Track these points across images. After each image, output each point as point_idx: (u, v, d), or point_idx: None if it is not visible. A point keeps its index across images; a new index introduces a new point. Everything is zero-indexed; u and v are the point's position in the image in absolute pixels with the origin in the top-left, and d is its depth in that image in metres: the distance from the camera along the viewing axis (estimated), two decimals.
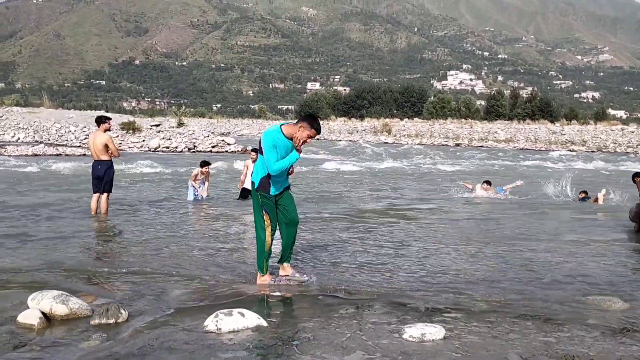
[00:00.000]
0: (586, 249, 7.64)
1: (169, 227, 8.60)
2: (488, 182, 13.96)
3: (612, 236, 8.74)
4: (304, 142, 5.18)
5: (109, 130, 9.85)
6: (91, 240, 7.69)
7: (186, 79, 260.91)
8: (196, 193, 11.86)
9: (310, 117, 5.26)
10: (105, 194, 9.70)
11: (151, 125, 35.28)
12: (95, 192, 9.73)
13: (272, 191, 5.36)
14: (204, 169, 11.86)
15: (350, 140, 50.23)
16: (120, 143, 29.28)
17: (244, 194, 12.33)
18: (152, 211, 10.18)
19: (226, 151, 29.84)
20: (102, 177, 9.61)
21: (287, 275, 5.57)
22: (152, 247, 7.18)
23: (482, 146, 44.89)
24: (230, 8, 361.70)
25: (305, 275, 5.57)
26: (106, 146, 9.58)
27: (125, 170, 17.65)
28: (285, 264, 5.63)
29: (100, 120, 9.74)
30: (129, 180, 15.29)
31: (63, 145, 29.27)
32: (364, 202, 12.26)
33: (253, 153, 12.52)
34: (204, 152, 29.21)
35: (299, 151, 5.29)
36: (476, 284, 5.70)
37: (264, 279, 5.48)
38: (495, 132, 56.44)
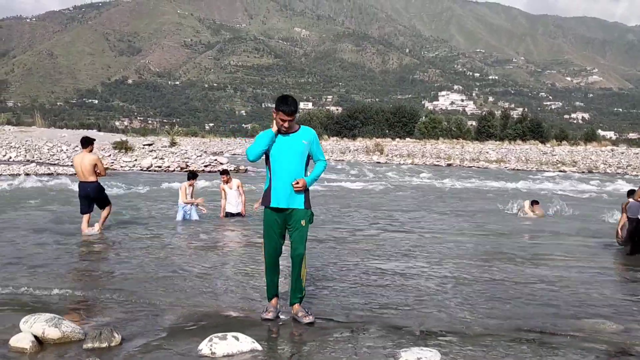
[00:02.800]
0: (579, 272, 7.65)
1: (160, 250, 8.54)
2: None
3: (604, 259, 8.77)
4: (282, 125, 4.89)
5: (92, 151, 9.88)
6: (81, 263, 7.61)
7: (179, 98, 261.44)
8: (188, 213, 11.79)
9: (277, 100, 4.96)
10: (106, 208, 9.86)
11: (143, 145, 35.24)
12: (84, 213, 9.69)
13: (273, 202, 4.98)
14: (190, 182, 11.82)
15: (341, 160, 50.29)
16: (112, 162, 29.19)
17: (230, 216, 12.27)
18: (143, 233, 10.10)
19: (218, 171, 29.81)
20: (92, 197, 9.64)
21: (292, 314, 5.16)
22: (144, 270, 7.12)
23: (473, 166, 45.05)
24: (223, 28, 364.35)
25: (307, 318, 5.00)
26: (94, 166, 9.60)
27: (117, 190, 17.57)
28: (294, 305, 5.13)
29: (88, 142, 9.77)
30: (121, 200, 15.20)
31: (55, 164, 29.14)
32: (361, 222, 12.25)
33: (222, 176, 12.41)
34: (196, 171, 29.14)
35: (277, 133, 4.94)
36: (471, 306, 5.69)
37: (271, 303, 5.16)
38: (487, 152, 56.74)
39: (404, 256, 8.36)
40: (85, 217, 9.69)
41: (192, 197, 11.92)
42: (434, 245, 9.37)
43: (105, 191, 10.10)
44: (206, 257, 8.01)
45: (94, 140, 10.14)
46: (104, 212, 9.89)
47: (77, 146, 34.65)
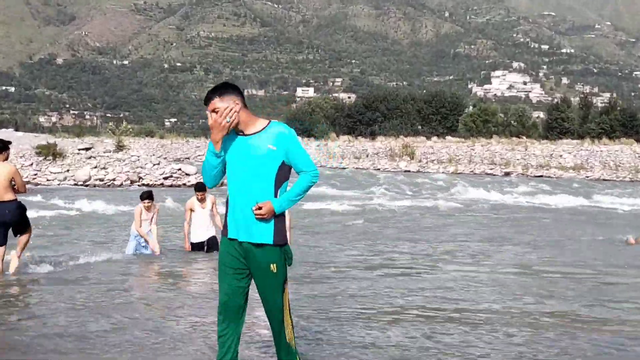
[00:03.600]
0: None
1: (99, 302, 8.52)
2: None
3: None
4: (224, 113, 4.72)
5: (7, 159, 9.87)
6: None
7: (128, 84, 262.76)
8: (143, 245, 11.76)
9: None
10: (24, 236, 9.83)
11: (79, 149, 35.32)
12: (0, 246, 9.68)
13: (231, 232, 4.87)
14: (146, 203, 11.74)
15: (358, 168, 50.27)
16: (35, 174, 29.27)
17: (197, 248, 12.16)
18: (81, 272, 10.08)
19: (184, 184, 29.84)
20: (10, 222, 9.62)
21: None
22: (81, 330, 7.10)
23: (542, 175, 45.01)
24: None
25: None
26: (11, 181, 9.58)
27: (42, 213, 17.58)
28: None
29: (2, 147, 9.74)
30: (47, 226, 15.22)
31: None
32: (397, 255, 12.23)
33: (199, 193, 12.20)
34: (153, 185, 29.21)
35: (219, 133, 4.75)
36: None
37: None
38: (560, 155, 56.63)
39: (445, 305, 8.31)
40: (0, 250, 9.67)
41: (151, 222, 11.83)
42: (494, 291, 9.32)
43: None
44: (165, 313, 7.96)
45: (10, 143, 10.13)
46: (23, 238, 9.91)
47: None
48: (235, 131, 4.79)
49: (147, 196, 11.87)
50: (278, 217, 4.77)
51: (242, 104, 4.78)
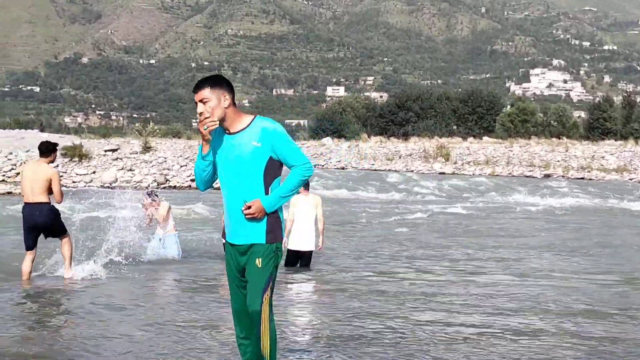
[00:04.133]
0: None
1: (125, 303, 8.58)
2: None
3: None
4: (203, 120, 4.76)
5: (53, 162, 9.92)
6: (24, 327, 7.66)
7: (155, 84, 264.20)
8: (162, 247, 11.77)
9: None
10: (64, 239, 9.84)
11: (105, 151, 35.70)
12: (29, 249, 9.73)
13: (228, 236, 5.01)
14: (146, 202, 11.74)
15: (393, 170, 50.10)
16: (61, 176, 29.50)
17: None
18: (101, 276, 10.14)
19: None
20: (42, 226, 9.63)
21: None
22: (101, 336, 7.16)
23: (583, 178, 44.58)
24: None
25: None
26: (49, 183, 9.56)
27: (68, 215, 17.75)
28: None
29: (49, 148, 9.83)
30: (71, 230, 15.34)
31: None
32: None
33: None
34: (181, 188, 29.37)
35: (204, 138, 4.82)
36: None
37: None
38: (602, 156, 56.04)
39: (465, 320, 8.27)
40: (30, 255, 9.70)
41: (163, 225, 11.79)
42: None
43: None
44: (192, 319, 7.98)
45: (57, 145, 10.16)
46: (65, 250, 9.88)
47: (10, 153, 35.11)
48: (222, 129, 4.84)
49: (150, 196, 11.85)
50: (271, 215, 4.82)
51: (231, 100, 4.83)
